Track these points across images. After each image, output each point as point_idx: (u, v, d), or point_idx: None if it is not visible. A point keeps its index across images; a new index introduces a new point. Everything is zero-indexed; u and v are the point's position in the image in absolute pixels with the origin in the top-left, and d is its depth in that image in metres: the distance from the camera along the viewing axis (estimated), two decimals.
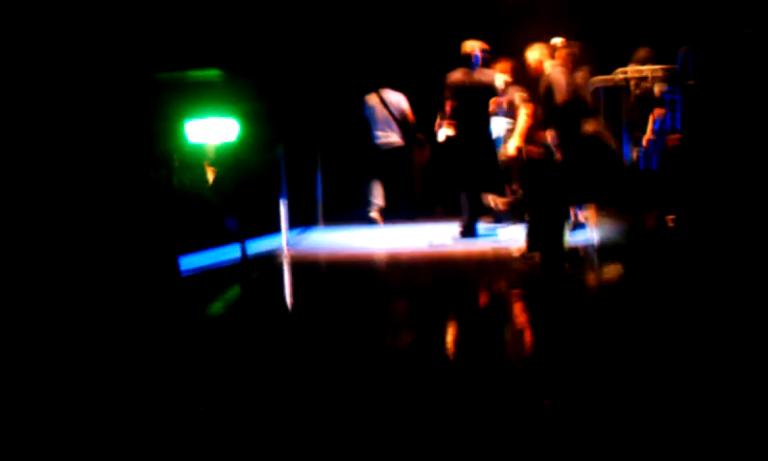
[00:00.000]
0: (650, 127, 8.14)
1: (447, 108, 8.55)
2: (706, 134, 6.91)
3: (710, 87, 6.93)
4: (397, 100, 10.07)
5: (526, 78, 8.11)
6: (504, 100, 8.90)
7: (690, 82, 7.19)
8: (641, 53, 8.31)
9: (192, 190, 8.61)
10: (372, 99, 10.10)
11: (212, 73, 9.85)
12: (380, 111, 10.00)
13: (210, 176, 9.04)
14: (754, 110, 6.59)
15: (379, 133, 10.03)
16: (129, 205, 7.30)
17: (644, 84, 8.14)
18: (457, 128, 8.51)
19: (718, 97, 6.86)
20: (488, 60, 8.54)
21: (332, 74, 11.14)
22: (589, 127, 7.94)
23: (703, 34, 7.33)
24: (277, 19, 10.62)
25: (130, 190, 7.55)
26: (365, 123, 10.19)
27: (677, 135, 7.43)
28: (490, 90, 8.48)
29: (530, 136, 8.15)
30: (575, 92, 7.42)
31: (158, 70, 9.54)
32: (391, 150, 10.00)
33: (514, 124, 8.71)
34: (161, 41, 9.94)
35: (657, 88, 7.98)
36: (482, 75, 8.46)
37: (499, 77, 8.64)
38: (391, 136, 10.00)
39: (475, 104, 8.43)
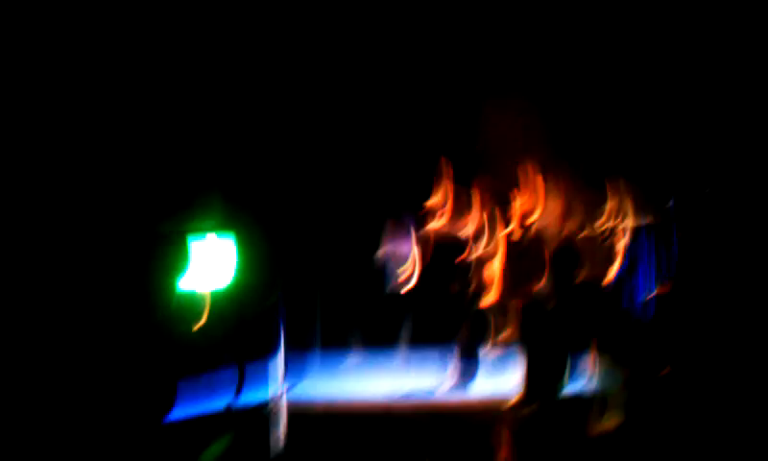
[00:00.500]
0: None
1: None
2: (696, 283, 6.92)
3: (697, 237, 7.01)
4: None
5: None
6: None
7: (677, 231, 7.28)
8: (611, 204, 8.31)
9: (185, 336, 8.59)
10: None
11: (213, 207, 10.01)
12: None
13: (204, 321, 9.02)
14: (740, 259, 6.64)
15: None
16: (119, 350, 7.28)
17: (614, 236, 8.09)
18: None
19: (705, 246, 6.92)
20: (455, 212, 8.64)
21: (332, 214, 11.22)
22: (584, 273, 7.98)
23: (684, 186, 7.49)
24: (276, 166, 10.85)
25: (121, 336, 7.54)
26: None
27: (666, 286, 7.44)
28: (461, 241, 8.55)
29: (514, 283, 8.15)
30: (566, 239, 7.49)
31: (159, 220, 9.75)
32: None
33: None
34: (164, 195, 10.22)
35: (623, 240, 7.94)
36: (453, 227, 8.58)
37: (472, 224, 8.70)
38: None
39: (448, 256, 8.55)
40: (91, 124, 9.26)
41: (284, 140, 10.71)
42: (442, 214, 8.76)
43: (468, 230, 8.64)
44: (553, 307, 7.77)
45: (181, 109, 10.59)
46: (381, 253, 9.77)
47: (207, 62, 10.60)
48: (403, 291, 9.45)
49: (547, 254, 7.95)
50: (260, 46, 10.67)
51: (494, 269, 8.35)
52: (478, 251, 8.65)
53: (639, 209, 8.16)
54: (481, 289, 8.49)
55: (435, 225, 8.67)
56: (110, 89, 9.88)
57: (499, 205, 8.62)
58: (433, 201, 8.81)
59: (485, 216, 8.80)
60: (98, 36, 10.21)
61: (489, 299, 8.34)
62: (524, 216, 8.14)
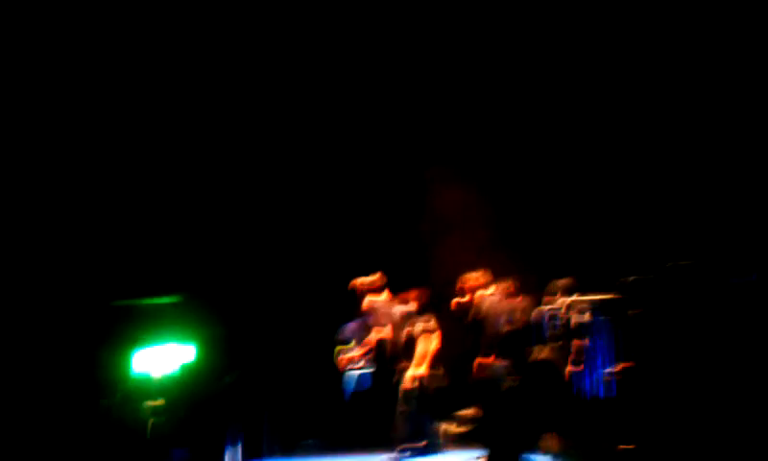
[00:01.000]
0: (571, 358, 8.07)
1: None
2: (654, 362, 6.98)
3: (656, 316, 7.08)
4: None
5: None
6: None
7: (635, 310, 7.36)
8: (563, 282, 8.30)
9: (137, 420, 8.35)
10: None
11: (167, 299, 9.88)
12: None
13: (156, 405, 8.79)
14: (699, 338, 6.72)
15: None
16: (67, 432, 7.09)
17: (565, 315, 8.06)
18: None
19: (664, 325, 7.00)
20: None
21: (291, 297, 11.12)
22: (542, 354, 8.00)
23: (642, 265, 7.60)
24: (232, 243, 10.78)
25: (69, 418, 7.35)
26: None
27: (624, 364, 7.48)
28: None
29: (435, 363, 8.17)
30: (518, 318, 7.59)
31: (114, 297, 9.59)
32: None
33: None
34: (119, 268, 10.08)
35: (575, 319, 8.00)
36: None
37: (402, 307, 8.69)
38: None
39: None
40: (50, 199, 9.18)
41: (239, 230, 10.73)
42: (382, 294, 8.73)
43: (409, 308, 8.61)
44: (510, 386, 7.76)
45: (136, 195, 10.57)
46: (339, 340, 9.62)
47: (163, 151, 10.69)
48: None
49: (499, 332, 8.00)
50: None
51: (431, 348, 8.25)
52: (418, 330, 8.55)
53: (593, 289, 8.25)
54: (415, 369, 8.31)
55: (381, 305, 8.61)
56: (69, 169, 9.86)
57: (447, 283, 8.71)
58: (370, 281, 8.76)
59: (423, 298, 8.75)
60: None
61: (426, 377, 8.18)
62: (473, 293, 8.21)
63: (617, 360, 7.66)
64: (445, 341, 8.39)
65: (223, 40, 10.51)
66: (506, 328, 8.04)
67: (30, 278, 9.17)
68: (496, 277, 8.33)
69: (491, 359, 7.80)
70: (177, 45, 10.50)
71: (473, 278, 8.18)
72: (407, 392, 8.18)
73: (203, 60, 10.64)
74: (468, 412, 8.72)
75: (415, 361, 8.29)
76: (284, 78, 10.74)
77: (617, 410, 7.46)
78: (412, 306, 8.69)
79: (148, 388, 8.59)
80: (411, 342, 8.47)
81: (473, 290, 8.15)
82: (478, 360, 8.08)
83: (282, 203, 10.94)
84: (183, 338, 9.19)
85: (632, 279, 7.52)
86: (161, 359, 8.46)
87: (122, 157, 10.61)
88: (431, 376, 8.23)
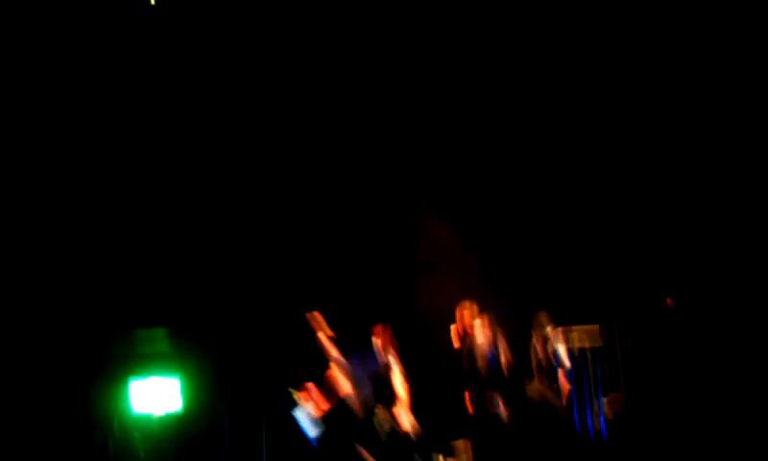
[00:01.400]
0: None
1: None
2: (648, 396, 7.01)
3: (648, 351, 7.14)
4: None
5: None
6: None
7: (627, 341, 7.41)
8: (542, 317, 8.35)
9: (131, 454, 8.29)
10: None
11: (157, 332, 9.83)
12: None
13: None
14: (692, 368, 6.77)
15: None
16: None
17: (551, 347, 8.10)
18: None
19: (657, 359, 7.04)
20: None
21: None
22: (533, 386, 8.03)
23: (634, 300, 7.66)
24: (220, 277, 10.74)
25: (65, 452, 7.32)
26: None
27: (616, 395, 7.51)
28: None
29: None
30: (508, 353, 7.64)
31: (104, 330, 9.51)
32: None
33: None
34: (108, 303, 10.01)
35: (560, 350, 7.99)
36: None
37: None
38: None
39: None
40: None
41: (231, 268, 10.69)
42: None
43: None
44: (503, 419, 7.78)
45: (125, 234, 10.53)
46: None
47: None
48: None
49: (490, 364, 8.02)
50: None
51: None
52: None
53: (584, 320, 8.27)
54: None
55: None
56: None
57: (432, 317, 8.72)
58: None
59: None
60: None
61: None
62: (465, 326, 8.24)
63: (610, 392, 7.70)
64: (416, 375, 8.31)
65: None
66: (498, 361, 8.07)
67: (21, 312, 9.09)
68: (486, 310, 8.36)
69: (483, 392, 7.80)
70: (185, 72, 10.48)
71: (466, 310, 8.20)
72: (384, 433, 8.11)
73: (207, 106, 10.70)
74: (460, 444, 8.71)
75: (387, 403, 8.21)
76: (275, 120, 10.79)
77: (611, 442, 7.49)
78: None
79: (141, 421, 8.54)
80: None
81: (466, 323, 8.17)
82: (469, 393, 8.10)
83: (271, 235, 10.93)
84: (172, 371, 9.14)
85: (623, 310, 7.57)
86: (153, 392, 8.39)
87: (111, 192, 10.57)
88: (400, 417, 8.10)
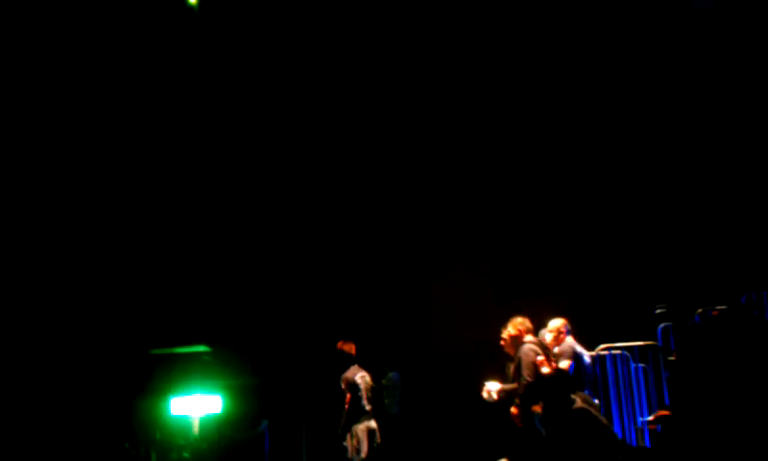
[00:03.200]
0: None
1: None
2: (696, 409, 6.87)
3: (694, 361, 7.01)
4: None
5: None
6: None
7: (672, 357, 7.29)
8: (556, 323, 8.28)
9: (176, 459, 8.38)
10: None
11: (199, 348, 9.96)
12: None
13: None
14: (740, 383, 6.62)
15: None
16: None
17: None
18: None
19: (704, 370, 6.91)
20: None
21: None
22: (578, 401, 7.91)
23: (678, 310, 7.57)
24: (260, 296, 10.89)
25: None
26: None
27: (664, 412, 7.37)
28: None
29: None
30: (550, 367, 7.50)
31: (149, 345, 9.68)
32: None
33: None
34: (154, 317, 10.20)
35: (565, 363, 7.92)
36: None
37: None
38: None
39: None
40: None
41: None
42: None
43: None
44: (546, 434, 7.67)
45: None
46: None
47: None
48: None
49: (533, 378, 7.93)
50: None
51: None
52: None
53: (629, 336, 8.19)
54: None
55: None
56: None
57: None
58: None
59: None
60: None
61: None
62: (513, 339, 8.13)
63: (654, 409, 7.58)
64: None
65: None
66: (541, 374, 7.97)
67: (63, 328, 9.30)
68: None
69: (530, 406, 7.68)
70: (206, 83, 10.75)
71: (515, 323, 8.12)
72: None
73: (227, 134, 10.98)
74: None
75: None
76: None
77: (651, 457, 7.35)
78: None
79: (182, 435, 8.63)
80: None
81: (514, 336, 8.08)
82: (515, 408, 8.02)
83: (308, 258, 11.10)
84: (213, 387, 9.24)
85: (668, 325, 7.48)
86: (195, 407, 8.47)
87: (161, 215, 10.84)
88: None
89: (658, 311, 7.97)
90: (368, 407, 8.19)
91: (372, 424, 8.26)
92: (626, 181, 10.10)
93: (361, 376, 8.29)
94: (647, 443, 7.75)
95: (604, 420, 7.76)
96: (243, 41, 10.74)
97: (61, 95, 10.16)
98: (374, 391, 8.92)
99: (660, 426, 7.43)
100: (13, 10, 9.78)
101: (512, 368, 8.28)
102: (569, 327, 7.94)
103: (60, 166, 10.39)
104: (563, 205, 10.45)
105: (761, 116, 9.61)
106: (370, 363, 9.17)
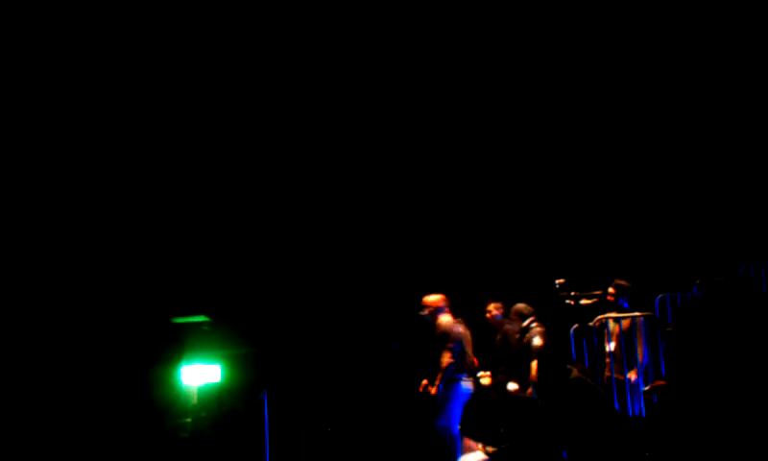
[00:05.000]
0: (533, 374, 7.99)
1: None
2: (692, 380, 6.92)
3: (691, 332, 7.05)
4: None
5: None
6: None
7: (669, 327, 7.34)
8: (520, 307, 8.40)
9: (178, 425, 8.46)
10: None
11: (199, 319, 10.01)
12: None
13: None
14: (735, 355, 6.67)
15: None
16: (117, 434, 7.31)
17: (528, 336, 8.13)
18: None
19: (700, 342, 6.96)
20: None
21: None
22: (574, 371, 7.97)
23: (675, 281, 7.62)
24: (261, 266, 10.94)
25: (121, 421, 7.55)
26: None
27: (660, 382, 7.44)
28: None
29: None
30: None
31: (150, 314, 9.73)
32: None
33: None
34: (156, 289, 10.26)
35: (539, 340, 8.01)
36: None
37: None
38: None
39: None
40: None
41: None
42: None
43: None
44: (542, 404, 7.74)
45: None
46: None
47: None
48: None
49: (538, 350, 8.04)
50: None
51: None
52: None
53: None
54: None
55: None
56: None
57: None
58: None
59: None
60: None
61: None
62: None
63: (652, 378, 7.64)
64: None
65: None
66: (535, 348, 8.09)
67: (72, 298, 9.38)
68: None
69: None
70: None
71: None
72: None
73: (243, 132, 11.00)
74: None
75: None
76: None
77: (650, 429, 7.42)
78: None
79: (182, 403, 8.70)
80: None
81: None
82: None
83: (314, 232, 11.15)
84: (212, 357, 9.29)
85: (666, 294, 7.53)
86: (194, 376, 8.54)
87: (161, 191, 10.87)
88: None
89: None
90: None
91: None
92: (623, 153, 10.13)
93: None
94: (643, 413, 7.82)
95: (602, 389, 7.84)
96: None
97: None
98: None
99: (655, 397, 7.50)
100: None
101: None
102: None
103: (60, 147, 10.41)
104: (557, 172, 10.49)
105: (760, 92, 9.63)
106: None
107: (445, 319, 8.12)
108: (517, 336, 8.33)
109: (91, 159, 10.58)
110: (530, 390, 7.88)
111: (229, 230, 11.18)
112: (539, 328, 8.07)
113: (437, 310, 8.15)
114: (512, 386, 8.20)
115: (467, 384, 8.04)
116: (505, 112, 10.81)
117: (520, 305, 8.40)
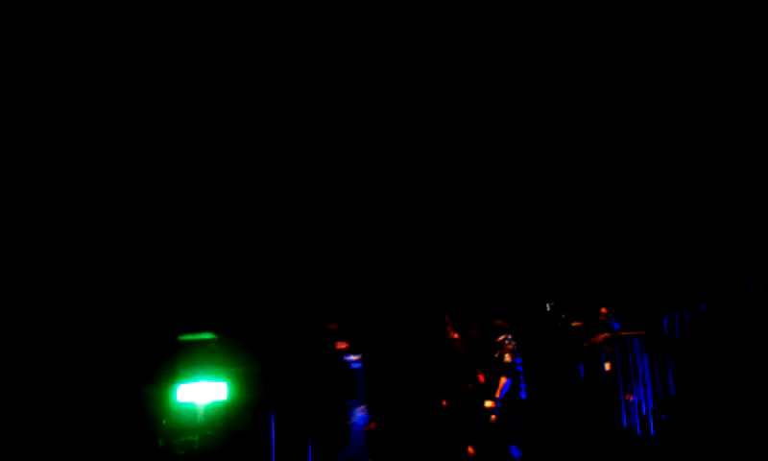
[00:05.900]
0: (499, 389, 8.28)
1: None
2: (700, 398, 6.90)
3: (699, 351, 7.03)
4: None
5: None
6: None
7: (674, 346, 7.31)
8: (498, 323, 8.67)
9: (179, 452, 8.41)
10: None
11: (206, 336, 9.99)
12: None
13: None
14: (743, 371, 6.64)
15: None
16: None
17: (500, 351, 8.42)
18: None
19: (708, 360, 6.94)
20: None
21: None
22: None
23: (680, 301, 7.59)
24: (267, 281, 10.94)
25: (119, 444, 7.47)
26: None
27: (664, 400, 7.41)
28: None
29: None
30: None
31: (156, 332, 9.73)
32: None
33: None
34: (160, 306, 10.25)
35: (507, 357, 8.29)
36: None
37: None
38: None
39: None
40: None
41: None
42: None
43: None
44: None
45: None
46: None
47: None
48: None
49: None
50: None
51: None
52: None
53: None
54: None
55: None
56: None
57: None
58: None
59: None
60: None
61: None
62: None
63: (657, 395, 7.60)
64: None
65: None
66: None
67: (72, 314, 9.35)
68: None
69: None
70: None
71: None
72: None
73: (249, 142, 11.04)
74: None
75: None
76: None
77: (656, 445, 7.38)
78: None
79: (188, 421, 8.66)
80: None
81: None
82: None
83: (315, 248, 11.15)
84: (219, 375, 9.26)
85: (674, 314, 7.49)
86: (200, 394, 8.49)
87: (167, 206, 10.89)
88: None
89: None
90: None
91: None
92: (627, 172, 10.10)
93: None
94: (651, 431, 7.78)
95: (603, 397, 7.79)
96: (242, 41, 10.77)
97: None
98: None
99: (664, 416, 7.46)
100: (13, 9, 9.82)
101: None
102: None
103: (63, 148, 10.42)
104: (564, 190, 10.47)
105: (764, 108, 9.60)
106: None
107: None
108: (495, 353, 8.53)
109: (98, 173, 10.62)
110: (492, 403, 8.01)
111: (238, 248, 11.19)
112: (510, 346, 8.25)
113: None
114: (488, 403, 8.39)
115: None
116: (504, 127, 10.80)
117: (499, 322, 8.64)
